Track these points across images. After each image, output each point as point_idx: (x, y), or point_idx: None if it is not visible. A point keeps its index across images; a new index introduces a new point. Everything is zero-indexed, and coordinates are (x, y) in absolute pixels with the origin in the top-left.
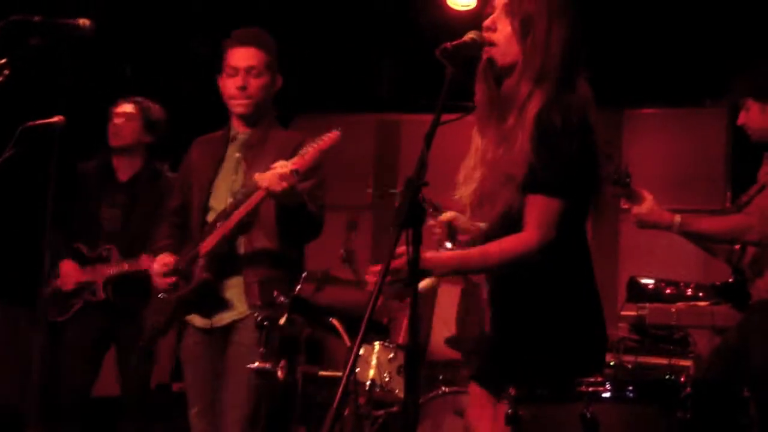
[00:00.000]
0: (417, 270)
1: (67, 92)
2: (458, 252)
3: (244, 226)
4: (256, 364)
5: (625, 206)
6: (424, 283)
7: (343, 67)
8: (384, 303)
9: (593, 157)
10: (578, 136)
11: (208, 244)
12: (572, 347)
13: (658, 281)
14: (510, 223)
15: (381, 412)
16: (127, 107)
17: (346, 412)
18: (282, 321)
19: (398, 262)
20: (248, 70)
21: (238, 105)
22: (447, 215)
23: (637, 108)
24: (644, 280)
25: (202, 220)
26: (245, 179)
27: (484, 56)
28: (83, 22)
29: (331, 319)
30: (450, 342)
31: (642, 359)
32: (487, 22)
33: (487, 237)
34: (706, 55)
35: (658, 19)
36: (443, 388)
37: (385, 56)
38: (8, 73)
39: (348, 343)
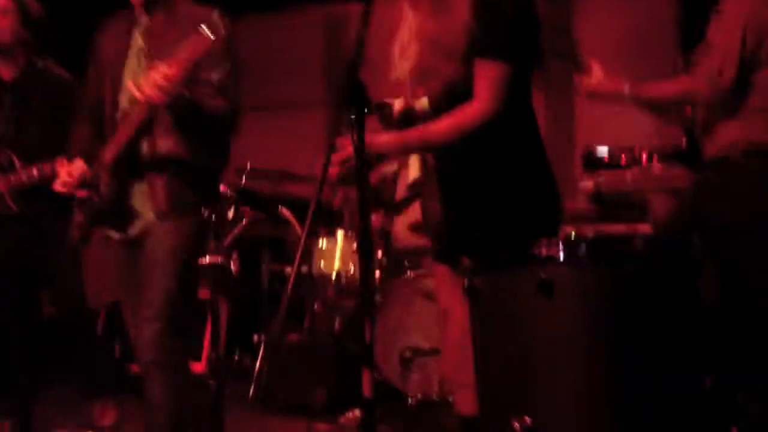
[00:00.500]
0: (364, 154)
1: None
2: (406, 131)
3: (142, 130)
4: (207, 259)
5: (577, 79)
6: (385, 170)
7: None
8: (338, 192)
9: (535, 21)
10: (525, 3)
11: (111, 151)
12: (522, 214)
13: (612, 149)
14: (455, 95)
15: (350, 302)
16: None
17: (315, 307)
18: (230, 215)
19: (344, 153)
20: None
21: None
22: (398, 104)
23: None
24: (599, 149)
25: (113, 120)
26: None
27: None
28: None
29: (280, 207)
30: (414, 227)
31: (601, 227)
32: None
33: (434, 111)
34: None
35: None
36: (410, 273)
37: None
38: None
39: (299, 232)
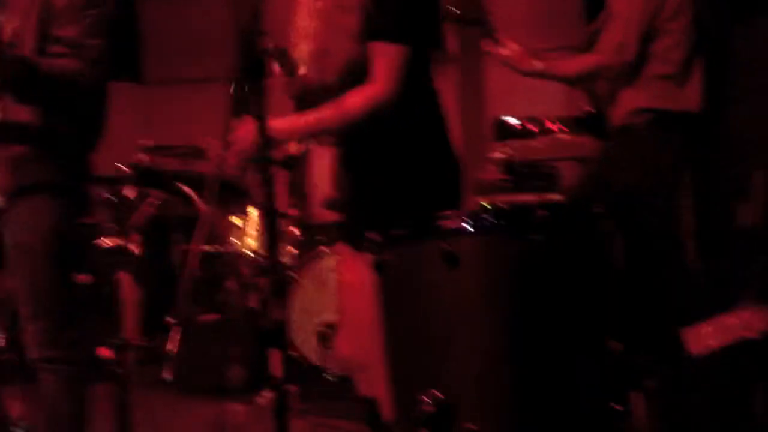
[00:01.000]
0: (263, 128)
1: None
2: (302, 116)
3: None
4: (108, 241)
5: (487, 49)
6: (294, 148)
7: None
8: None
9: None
10: None
11: None
12: (425, 188)
13: (522, 119)
14: (355, 73)
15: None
16: None
17: (230, 285)
18: (131, 194)
19: (242, 145)
20: None
21: None
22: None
23: None
24: (509, 120)
25: None
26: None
27: None
28: None
29: (179, 185)
30: (327, 204)
31: (513, 197)
32: None
33: (336, 90)
34: None
35: None
36: (323, 249)
37: None
38: None
39: (202, 208)
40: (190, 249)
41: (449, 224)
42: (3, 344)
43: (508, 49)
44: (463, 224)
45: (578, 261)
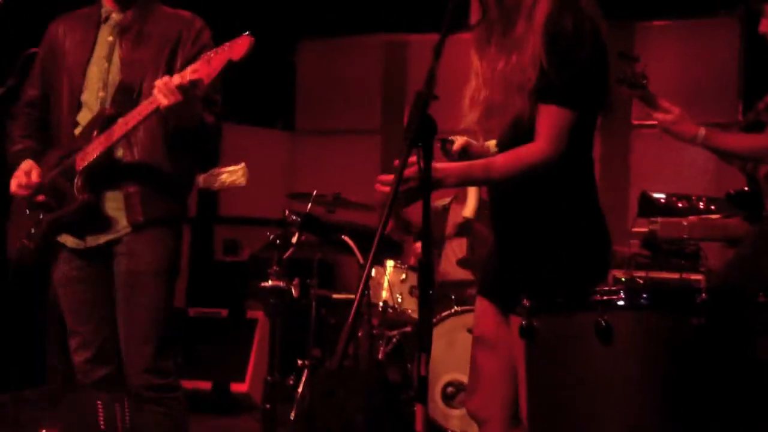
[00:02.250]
0: (428, 181)
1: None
2: (468, 162)
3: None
4: (270, 282)
5: (635, 121)
6: (436, 204)
7: None
8: (395, 225)
9: (604, 65)
10: (590, 41)
11: (87, 157)
12: (580, 255)
13: (669, 195)
14: (521, 133)
15: (394, 332)
16: None
17: (360, 334)
18: (294, 239)
19: (409, 171)
20: None
21: None
22: (459, 141)
23: (648, 20)
24: (656, 195)
25: (73, 119)
26: (122, 71)
27: None
28: None
29: (342, 236)
30: (461, 262)
31: (653, 275)
32: None
33: (499, 147)
34: None
35: None
36: (455, 308)
37: None
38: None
39: (361, 260)
40: (339, 296)
41: (605, 296)
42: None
43: (671, 113)
44: (620, 298)
45: (731, 349)
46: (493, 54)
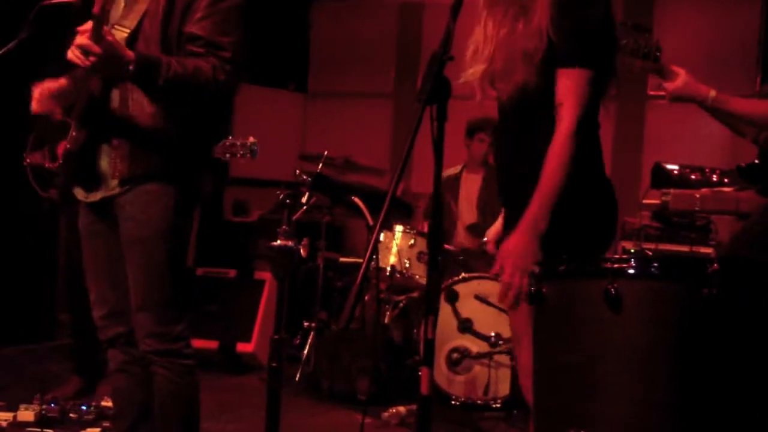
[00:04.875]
0: (440, 149)
1: None
2: (528, 211)
3: (109, 82)
4: (278, 242)
5: (651, 92)
6: (447, 171)
7: None
8: (407, 189)
9: (613, 29)
10: (605, 6)
11: (77, 108)
12: (586, 220)
13: (683, 167)
14: (525, 100)
15: (401, 297)
16: None
17: (366, 297)
18: (305, 199)
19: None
20: None
21: None
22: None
23: None
24: (669, 166)
25: None
26: (127, 9)
27: None
28: None
29: (353, 197)
30: (471, 229)
31: (663, 247)
32: None
33: (504, 115)
34: None
35: None
36: (463, 274)
37: None
38: None
39: (370, 221)
40: (347, 259)
41: (616, 265)
42: (304, 254)
43: (680, 75)
44: (630, 267)
45: (746, 319)
46: (500, 16)
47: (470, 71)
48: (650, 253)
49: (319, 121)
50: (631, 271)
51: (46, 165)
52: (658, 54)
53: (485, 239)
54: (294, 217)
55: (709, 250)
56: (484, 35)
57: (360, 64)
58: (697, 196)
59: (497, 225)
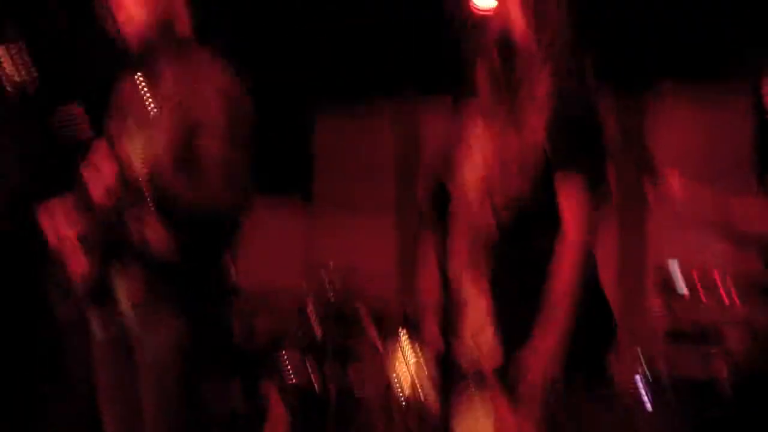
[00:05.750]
0: (444, 264)
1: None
2: (539, 336)
3: (125, 207)
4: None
5: (650, 194)
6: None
7: (362, 57)
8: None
9: (605, 137)
10: (597, 112)
11: (94, 232)
12: (579, 332)
13: (687, 271)
14: (523, 212)
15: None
16: None
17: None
18: (313, 322)
19: None
20: None
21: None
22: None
23: (659, 85)
24: (673, 270)
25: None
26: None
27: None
28: None
29: (359, 310)
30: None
31: (672, 352)
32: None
33: (501, 228)
34: (729, 29)
35: None
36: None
37: (404, 45)
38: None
39: (377, 343)
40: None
41: (625, 383)
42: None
43: (674, 183)
44: (639, 389)
45: None
46: (495, 126)
47: (467, 182)
48: (659, 358)
49: (324, 230)
50: (642, 394)
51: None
52: (651, 163)
53: None
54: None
55: (720, 357)
56: (478, 147)
57: (362, 171)
58: (703, 303)
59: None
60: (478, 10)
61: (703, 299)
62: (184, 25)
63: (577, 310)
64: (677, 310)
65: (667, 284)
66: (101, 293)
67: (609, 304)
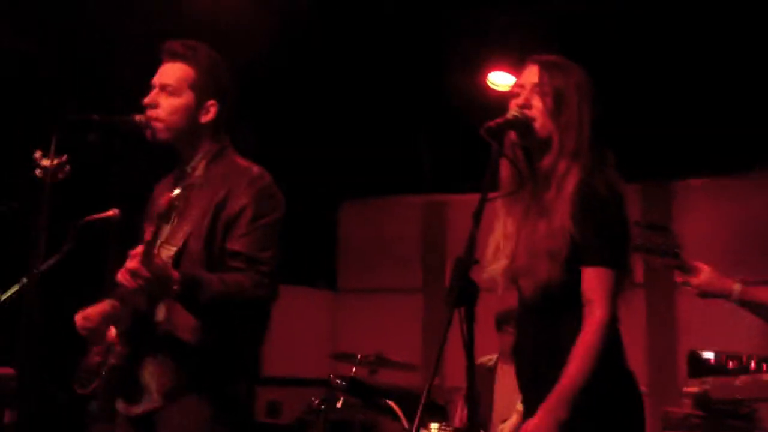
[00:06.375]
0: (471, 346)
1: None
2: (549, 400)
3: (154, 298)
4: None
5: (679, 279)
6: (482, 361)
7: (387, 151)
8: (440, 385)
9: (628, 226)
10: (623, 206)
11: (123, 324)
12: (613, 414)
13: (719, 354)
14: (549, 296)
15: None
16: None
17: None
18: (339, 404)
19: None
20: (162, 87)
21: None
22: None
23: (685, 179)
24: (705, 354)
25: None
26: (174, 229)
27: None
28: (139, 117)
29: (387, 401)
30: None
31: None
32: (520, 100)
33: (527, 310)
34: (752, 123)
35: (701, 90)
36: None
37: (426, 138)
38: (69, 169)
39: (406, 425)
40: None
41: None
42: None
43: (703, 272)
44: None
45: None
46: (521, 216)
47: (492, 267)
48: None
49: (350, 318)
50: None
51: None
52: (677, 251)
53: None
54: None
55: None
56: (505, 233)
57: (387, 260)
58: (737, 383)
59: (514, 420)
60: (496, 87)
61: (736, 381)
62: (216, 126)
63: (607, 392)
64: (710, 391)
65: (698, 366)
66: (130, 381)
67: (638, 387)
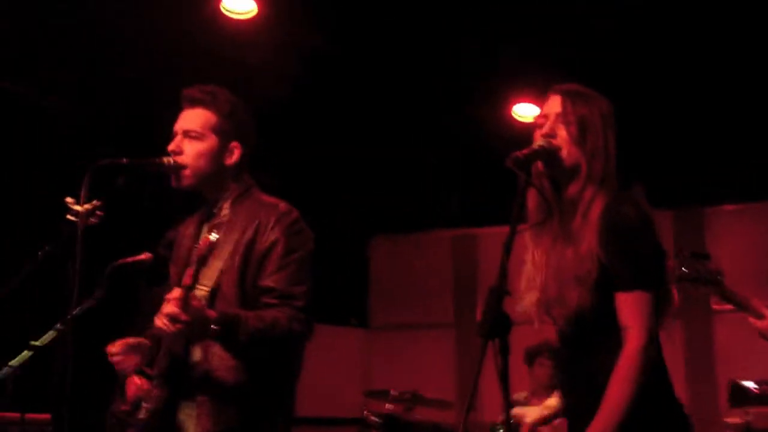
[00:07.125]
0: (506, 375)
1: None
2: (595, 428)
3: (191, 339)
4: None
5: (716, 306)
6: (514, 397)
7: (415, 186)
8: (478, 422)
9: (661, 250)
10: (652, 229)
11: (160, 366)
12: None
13: (761, 383)
14: (582, 323)
15: None
16: None
17: None
18: None
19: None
20: (186, 133)
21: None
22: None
23: (717, 205)
24: (746, 384)
25: None
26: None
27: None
28: (168, 159)
29: None
30: None
31: None
32: (546, 130)
33: (563, 340)
34: None
35: (733, 117)
36: None
37: (454, 172)
38: (102, 214)
39: None
40: None
41: None
42: None
43: (764, 317)
44: None
45: None
46: (549, 244)
47: (525, 300)
48: None
49: (383, 355)
50: None
51: (122, 408)
52: (719, 278)
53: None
54: None
55: None
56: (534, 265)
57: (419, 296)
58: None
59: (543, 413)
60: (521, 119)
61: None
62: (240, 167)
63: (656, 420)
64: (752, 422)
65: (739, 396)
66: (168, 425)
67: (687, 417)
